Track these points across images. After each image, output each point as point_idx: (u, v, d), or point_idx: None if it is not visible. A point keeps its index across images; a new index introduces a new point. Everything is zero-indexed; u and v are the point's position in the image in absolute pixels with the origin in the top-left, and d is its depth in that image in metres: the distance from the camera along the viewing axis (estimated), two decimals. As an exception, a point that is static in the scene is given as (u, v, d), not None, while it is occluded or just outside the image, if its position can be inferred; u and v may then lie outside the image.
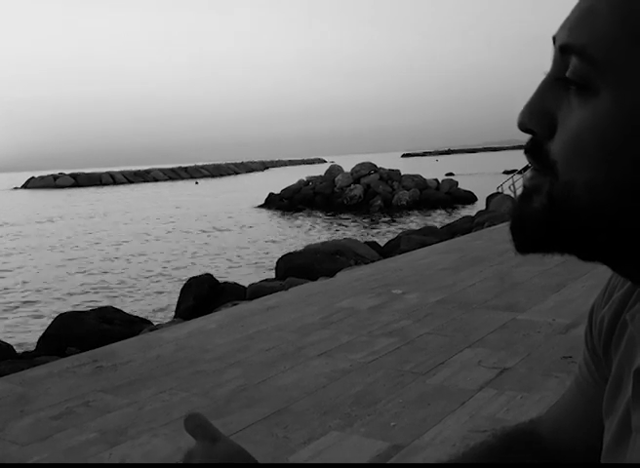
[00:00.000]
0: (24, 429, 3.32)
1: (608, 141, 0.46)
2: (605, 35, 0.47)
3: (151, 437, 3.15)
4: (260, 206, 31.20)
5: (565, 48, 0.49)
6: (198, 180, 79.22)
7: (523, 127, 0.52)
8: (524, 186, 0.53)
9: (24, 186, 77.94)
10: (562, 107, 0.49)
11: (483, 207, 20.02)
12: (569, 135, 0.48)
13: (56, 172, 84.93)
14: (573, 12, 0.50)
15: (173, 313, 8.80)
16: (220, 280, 9.00)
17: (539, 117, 0.51)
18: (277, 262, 9.96)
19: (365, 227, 21.88)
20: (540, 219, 0.51)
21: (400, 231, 16.25)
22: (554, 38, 0.52)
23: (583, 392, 0.73)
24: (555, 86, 0.50)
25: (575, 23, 0.49)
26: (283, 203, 30.17)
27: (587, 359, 0.71)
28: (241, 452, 0.69)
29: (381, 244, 13.01)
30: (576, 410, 0.75)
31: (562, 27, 0.51)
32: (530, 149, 0.52)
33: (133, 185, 72.00)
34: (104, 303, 9.67)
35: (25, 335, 8.99)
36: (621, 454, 0.56)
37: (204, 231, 22.70)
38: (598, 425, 0.64)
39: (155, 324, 7.45)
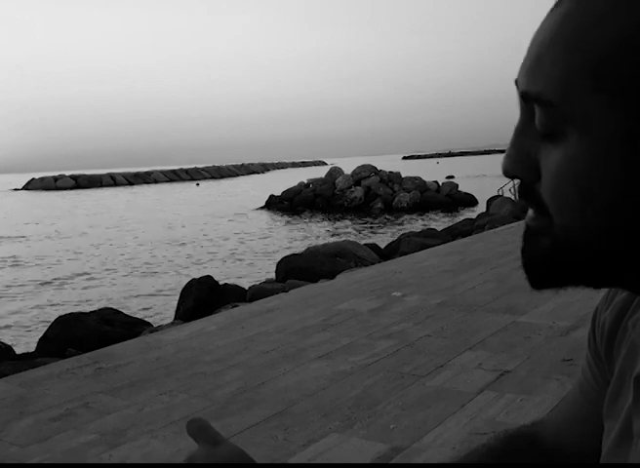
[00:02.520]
0: (24, 430, 3.32)
1: (582, 186, 0.47)
2: (558, 80, 0.47)
3: (151, 438, 3.15)
4: (261, 208, 31.22)
5: (525, 96, 0.49)
6: (199, 182, 79.25)
7: (509, 174, 0.52)
8: (527, 226, 0.54)
9: (25, 188, 77.98)
10: (541, 150, 0.49)
11: (484, 209, 20.02)
12: (550, 179, 0.49)
13: (56, 173, 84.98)
14: (527, 55, 0.50)
15: (173, 315, 8.80)
16: (221, 282, 8.99)
17: (522, 163, 0.51)
18: (277, 264, 9.95)
19: (365, 229, 21.88)
20: (549, 258, 0.51)
21: (400, 233, 16.24)
22: (516, 82, 0.52)
23: (586, 394, 0.73)
24: (530, 130, 0.50)
25: (529, 69, 0.49)
26: (283, 205, 30.18)
27: (590, 361, 0.71)
28: (242, 455, 0.69)
29: (382, 246, 13.01)
30: (578, 413, 0.75)
31: (520, 72, 0.51)
32: (523, 193, 0.52)
33: (133, 187, 72.01)
34: (105, 305, 9.67)
35: (25, 337, 8.99)
36: (622, 459, 0.56)
37: (204, 233, 22.70)
38: (600, 427, 0.64)
39: (155, 325, 7.45)
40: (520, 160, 0.51)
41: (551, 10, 0.50)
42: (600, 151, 0.45)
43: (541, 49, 0.48)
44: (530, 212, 0.53)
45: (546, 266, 0.52)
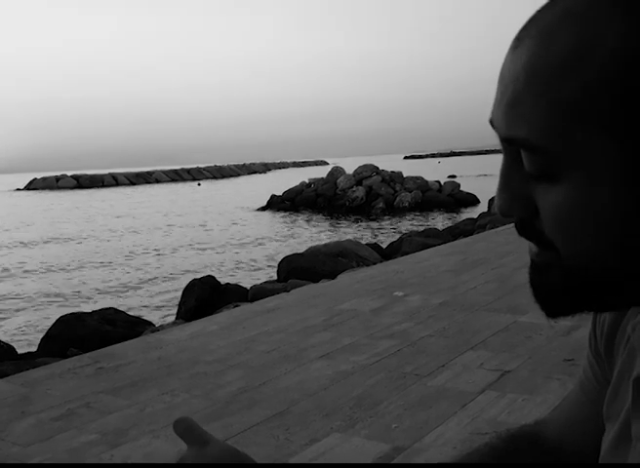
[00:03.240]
0: (26, 430, 3.32)
1: (589, 222, 0.47)
2: (542, 123, 0.46)
3: (152, 438, 3.15)
4: (263, 208, 31.21)
5: (510, 141, 0.49)
6: (200, 182, 79.28)
7: (506, 214, 0.52)
8: (533, 261, 0.53)
9: (27, 188, 78.05)
10: (535, 189, 0.49)
11: (485, 209, 20.01)
12: (553, 217, 0.48)
13: (58, 173, 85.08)
14: (500, 95, 0.50)
15: (174, 314, 8.80)
16: (222, 281, 9.00)
17: (517, 202, 0.51)
18: (279, 264, 9.95)
19: (367, 229, 21.87)
20: (561, 289, 0.51)
21: (402, 233, 16.24)
22: (492, 122, 0.51)
23: (587, 393, 0.73)
24: (518, 171, 0.50)
25: (508, 114, 0.48)
26: (285, 205, 30.17)
27: (591, 360, 0.71)
28: (233, 454, 0.69)
29: (383, 246, 13.01)
30: (579, 412, 0.75)
31: (496, 113, 0.50)
32: (522, 231, 0.52)
33: (135, 187, 72.06)
34: (106, 304, 9.67)
35: (27, 336, 9.00)
36: (621, 461, 0.56)
37: (205, 233, 22.71)
38: (601, 426, 0.64)
39: (157, 325, 7.45)
40: (515, 200, 0.51)
41: (513, 49, 0.49)
42: (601, 186, 0.46)
43: (517, 91, 0.47)
44: (532, 246, 0.53)
45: (559, 297, 0.52)
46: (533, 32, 0.47)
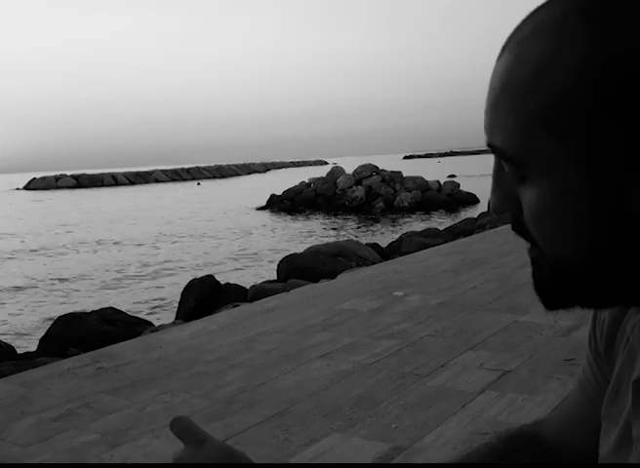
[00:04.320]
0: (25, 430, 3.32)
1: (555, 220, 0.50)
2: (511, 134, 0.50)
3: (152, 438, 3.14)
4: (262, 207, 31.20)
5: (490, 147, 0.53)
6: (200, 182, 79.27)
7: (498, 210, 0.56)
8: (530, 257, 0.56)
9: (26, 187, 78.03)
10: (518, 189, 0.53)
11: (485, 209, 20.01)
12: (528, 216, 0.52)
13: (57, 173, 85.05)
14: (486, 102, 0.53)
15: (174, 314, 8.80)
16: (222, 281, 8.99)
17: (507, 200, 0.54)
18: (279, 264, 9.95)
19: (367, 229, 21.87)
20: (551, 285, 0.54)
21: (402, 233, 16.23)
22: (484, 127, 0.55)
23: (587, 393, 0.73)
24: (505, 173, 0.54)
25: (489, 122, 0.52)
26: (285, 204, 30.17)
27: (591, 360, 0.71)
28: (230, 453, 0.69)
29: (383, 245, 13.00)
30: (579, 412, 0.75)
31: (484, 119, 0.54)
32: (515, 227, 0.56)
33: (134, 186, 72.04)
34: (106, 304, 9.67)
35: (27, 336, 8.99)
36: (622, 462, 0.56)
37: (205, 232, 22.71)
38: (601, 426, 0.64)
39: (156, 325, 7.44)
40: (505, 198, 0.54)
41: (498, 58, 0.52)
42: (566, 194, 0.48)
43: (495, 100, 0.51)
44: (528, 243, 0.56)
45: (552, 291, 0.55)
46: (512, 44, 0.50)
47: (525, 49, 0.48)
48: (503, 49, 0.51)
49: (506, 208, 0.55)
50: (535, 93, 0.47)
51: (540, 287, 0.55)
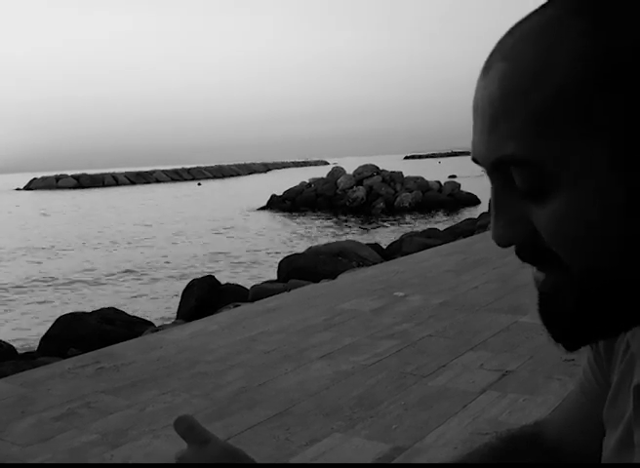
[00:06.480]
0: (26, 430, 3.32)
1: (590, 228, 0.46)
2: (521, 137, 0.46)
3: (153, 438, 3.14)
4: (263, 207, 31.21)
5: (499, 163, 0.49)
6: (200, 182, 79.31)
7: (505, 243, 0.50)
8: (540, 294, 0.51)
9: (27, 187, 78.07)
10: (530, 207, 0.48)
11: (486, 209, 20.01)
12: (549, 232, 0.47)
13: (58, 173, 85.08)
14: (480, 127, 0.50)
15: (175, 314, 8.80)
16: (222, 281, 8.99)
17: (515, 227, 0.50)
18: (279, 264, 9.95)
19: (367, 229, 21.87)
20: (575, 315, 0.49)
21: (402, 233, 16.24)
22: (474, 159, 0.52)
23: (587, 394, 0.73)
24: (510, 195, 0.49)
25: (491, 138, 0.48)
26: (285, 204, 30.18)
27: (592, 362, 0.71)
28: (233, 453, 0.69)
29: (384, 246, 13.00)
30: (579, 412, 0.75)
31: (478, 146, 0.50)
32: (525, 257, 0.51)
33: (135, 187, 72.06)
34: (106, 304, 9.67)
35: (27, 336, 8.99)
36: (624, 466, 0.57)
37: (206, 233, 22.71)
38: (601, 426, 0.64)
39: (157, 325, 7.45)
40: (511, 224, 0.50)
41: (483, 76, 0.50)
42: (589, 191, 0.45)
43: (494, 112, 0.48)
44: (537, 275, 0.52)
45: (575, 325, 0.50)
46: (498, 58, 0.48)
47: (518, 54, 0.47)
48: (487, 68, 0.49)
49: (513, 234, 0.50)
50: (538, 90, 0.45)
51: (559, 326, 0.51)
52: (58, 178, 77.51)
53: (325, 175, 31.36)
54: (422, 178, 30.02)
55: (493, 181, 0.50)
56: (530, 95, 0.46)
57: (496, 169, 0.49)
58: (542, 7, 0.48)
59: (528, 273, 0.54)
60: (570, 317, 0.49)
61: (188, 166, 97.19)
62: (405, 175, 30.39)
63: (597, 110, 0.44)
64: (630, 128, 0.44)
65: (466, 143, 0.51)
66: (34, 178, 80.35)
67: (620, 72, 0.44)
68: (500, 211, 0.50)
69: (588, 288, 0.48)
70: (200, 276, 9.13)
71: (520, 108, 0.46)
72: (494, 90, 0.48)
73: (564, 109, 0.45)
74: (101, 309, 7.67)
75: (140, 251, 18.72)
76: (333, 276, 8.13)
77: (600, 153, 0.44)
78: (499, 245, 0.50)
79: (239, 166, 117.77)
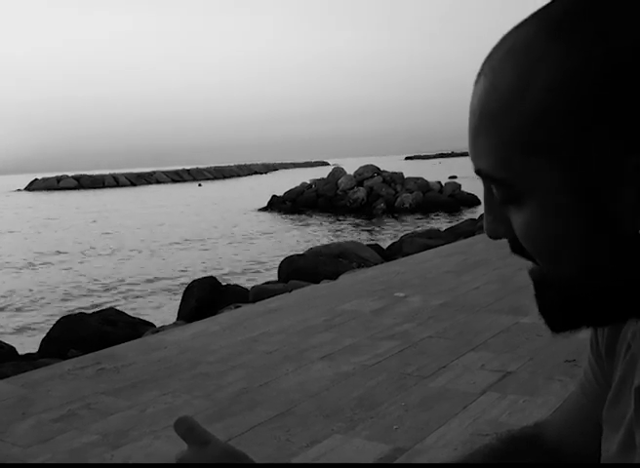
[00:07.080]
0: (26, 431, 3.32)
1: (550, 239, 0.50)
2: (493, 157, 0.50)
3: (153, 439, 3.14)
4: (263, 208, 31.20)
5: (477, 172, 0.53)
6: (201, 183, 79.31)
7: (493, 236, 0.56)
8: (531, 278, 0.56)
9: (27, 188, 78.11)
10: (509, 212, 0.53)
11: (486, 210, 19.97)
12: (522, 238, 0.52)
13: (59, 174, 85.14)
14: (468, 128, 0.53)
15: (175, 315, 8.80)
16: (223, 282, 8.99)
17: (500, 224, 0.54)
18: (280, 265, 9.95)
19: (368, 230, 21.86)
20: (559, 304, 0.53)
21: (403, 234, 16.23)
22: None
23: (588, 395, 0.73)
24: (493, 196, 0.54)
25: (472, 148, 0.53)
26: (286, 205, 30.17)
27: (592, 363, 0.71)
28: (233, 454, 0.69)
29: (384, 246, 13.00)
30: (579, 413, 0.75)
31: (469, 148, 0.54)
32: (513, 249, 0.55)
33: (136, 188, 72.08)
34: (107, 305, 9.67)
35: (28, 337, 8.99)
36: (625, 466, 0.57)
37: (206, 233, 22.71)
38: (602, 428, 0.64)
39: (158, 326, 7.45)
40: (498, 222, 0.54)
41: (475, 83, 0.52)
42: (553, 211, 0.48)
43: (475, 125, 0.51)
44: (528, 263, 0.56)
45: (559, 311, 0.54)
46: (486, 69, 0.51)
47: (498, 73, 0.49)
48: (479, 74, 0.51)
49: (500, 231, 0.55)
50: (512, 115, 0.48)
51: (545, 308, 0.54)
52: (59, 180, 77.55)
53: (325, 176, 31.36)
54: (423, 179, 30.01)
55: (482, 182, 0.54)
56: (501, 119, 0.48)
57: (477, 174, 0.53)
58: (525, 22, 0.50)
59: (527, 274, 0.56)
60: (553, 304, 0.54)
61: (189, 167, 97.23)
62: (406, 175, 30.38)
63: (556, 138, 0.46)
64: (582, 153, 0.46)
65: (467, 144, 0.54)
66: (35, 179, 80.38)
67: (594, 96, 0.45)
68: (489, 210, 0.55)
69: (561, 288, 0.52)
70: (200, 277, 9.12)
71: (493, 129, 0.49)
72: (476, 104, 0.51)
73: (529, 136, 0.47)
74: (102, 310, 7.68)
75: (140, 251, 18.72)
76: (333, 277, 8.13)
77: (562, 183, 0.47)
78: (490, 237, 0.56)
79: (239, 167, 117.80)
